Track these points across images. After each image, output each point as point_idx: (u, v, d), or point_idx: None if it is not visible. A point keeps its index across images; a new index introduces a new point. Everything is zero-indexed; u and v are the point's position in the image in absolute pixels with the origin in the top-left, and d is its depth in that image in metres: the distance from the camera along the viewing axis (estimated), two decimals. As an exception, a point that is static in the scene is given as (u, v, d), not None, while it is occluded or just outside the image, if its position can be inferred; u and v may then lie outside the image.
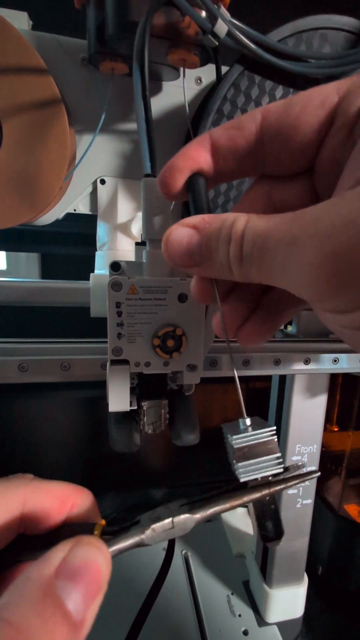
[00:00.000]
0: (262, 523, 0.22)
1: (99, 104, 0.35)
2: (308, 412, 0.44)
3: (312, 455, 0.46)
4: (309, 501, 0.47)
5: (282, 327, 0.47)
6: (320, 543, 0.58)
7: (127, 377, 0.25)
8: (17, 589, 0.12)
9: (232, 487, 0.21)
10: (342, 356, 0.35)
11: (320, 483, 0.52)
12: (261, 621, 0.49)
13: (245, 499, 0.20)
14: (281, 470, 0.21)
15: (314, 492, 0.47)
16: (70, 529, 0.18)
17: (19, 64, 0.29)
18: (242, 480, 0.21)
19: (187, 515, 0.18)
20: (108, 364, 0.25)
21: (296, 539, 0.48)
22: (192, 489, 0.80)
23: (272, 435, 0.22)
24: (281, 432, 0.46)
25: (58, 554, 0.13)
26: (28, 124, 0.30)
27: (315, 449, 0.46)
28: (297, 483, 0.21)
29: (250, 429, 0.22)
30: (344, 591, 0.57)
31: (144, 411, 0.26)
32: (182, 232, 0.17)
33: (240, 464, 0.21)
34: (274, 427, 0.22)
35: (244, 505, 0.20)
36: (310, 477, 0.21)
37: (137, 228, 0.36)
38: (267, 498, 0.21)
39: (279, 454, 0.21)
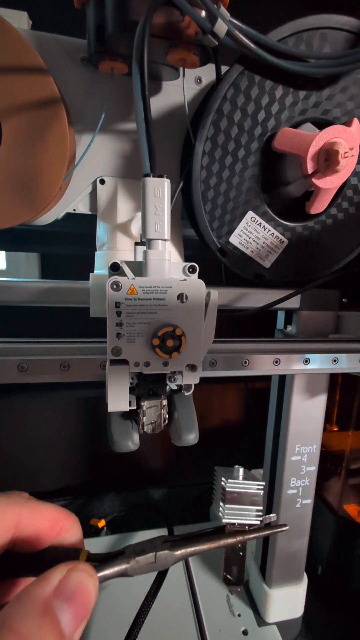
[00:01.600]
0: (228, 567, 0.25)
1: (98, 104, 0.35)
2: (308, 412, 0.44)
3: (311, 455, 0.46)
4: (309, 501, 0.47)
5: (282, 327, 0.47)
6: (320, 543, 0.58)
7: (127, 377, 0.25)
8: (21, 602, 0.14)
9: (211, 530, 0.23)
10: (341, 356, 0.35)
11: (320, 483, 0.52)
12: (261, 621, 0.49)
13: (222, 542, 0.22)
14: (258, 522, 0.24)
15: (314, 492, 0.47)
16: (57, 552, 0.18)
17: (19, 63, 0.29)
18: (224, 521, 0.24)
19: (167, 552, 0.20)
20: (107, 364, 0.25)
21: (296, 539, 0.48)
22: (191, 488, 0.80)
23: (261, 489, 0.25)
24: (281, 432, 0.46)
25: (56, 575, 0.15)
26: (28, 123, 0.30)
27: (314, 449, 0.46)
28: (268, 534, 0.23)
29: (242, 478, 0.26)
30: (343, 591, 0.57)
31: (143, 411, 0.26)
32: None
33: (227, 506, 0.24)
34: (264, 483, 0.25)
35: (219, 548, 0.22)
36: (279, 530, 0.23)
37: (136, 228, 0.35)
38: (239, 545, 0.23)
39: (261, 507, 0.24)
